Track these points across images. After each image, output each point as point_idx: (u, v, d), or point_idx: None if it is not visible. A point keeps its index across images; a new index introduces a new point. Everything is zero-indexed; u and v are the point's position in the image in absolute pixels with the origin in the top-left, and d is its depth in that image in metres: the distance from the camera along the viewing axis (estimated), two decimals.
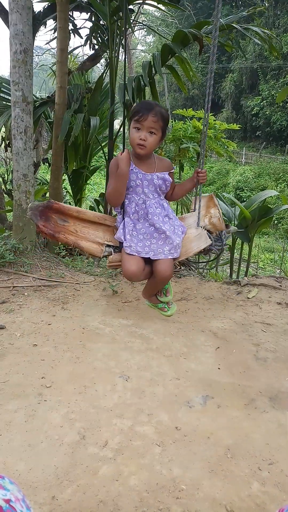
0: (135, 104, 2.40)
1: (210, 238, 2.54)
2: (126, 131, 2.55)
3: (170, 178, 2.51)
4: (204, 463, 1.83)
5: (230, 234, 2.78)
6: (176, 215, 2.70)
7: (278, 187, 18.77)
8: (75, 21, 4.98)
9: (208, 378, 2.40)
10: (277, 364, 2.57)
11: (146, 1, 4.43)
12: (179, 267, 3.60)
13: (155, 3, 4.36)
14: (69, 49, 4.39)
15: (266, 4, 24.10)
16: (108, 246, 2.52)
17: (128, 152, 2.34)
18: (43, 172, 8.98)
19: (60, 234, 2.47)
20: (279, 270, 7.18)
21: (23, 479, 1.69)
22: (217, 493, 1.68)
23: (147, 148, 2.33)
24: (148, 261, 2.45)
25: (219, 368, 2.50)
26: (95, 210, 5.70)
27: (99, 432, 1.97)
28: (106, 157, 4.75)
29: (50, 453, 1.83)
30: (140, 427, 2.01)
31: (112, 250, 2.52)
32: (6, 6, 4.40)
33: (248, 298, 3.42)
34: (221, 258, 5.79)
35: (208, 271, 2.67)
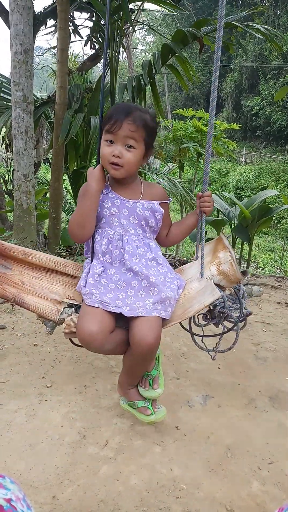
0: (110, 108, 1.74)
1: (218, 290, 1.68)
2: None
3: (162, 209, 1.78)
4: (204, 462, 1.83)
5: (250, 294, 1.95)
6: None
7: (278, 187, 18.79)
8: (75, 20, 4.98)
9: (208, 377, 2.41)
10: (277, 364, 2.58)
11: (146, 1, 4.43)
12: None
13: (155, 3, 4.36)
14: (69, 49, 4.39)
15: (267, 4, 24.10)
16: (70, 305, 1.77)
17: (102, 168, 1.69)
18: (44, 172, 8.98)
19: None
20: (279, 270, 7.20)
21: (24, 478, 1.70)
22: (217, 493, 1.68)
23: (123, 169, 1.64)
24: (125, 323, 1.64)
25: (219, 368, 2.50)
26: None
27: (100, 431, 1.98)
28: None
29: (51, 453, 1.84)
30: (140, 427, 2.02)
31: (73, 311, 1.75)
32: (7, 6, 4.42)
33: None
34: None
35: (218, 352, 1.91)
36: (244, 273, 1.78)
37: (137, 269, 1.64)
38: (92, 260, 1.74)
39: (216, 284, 1.72)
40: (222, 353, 2.27)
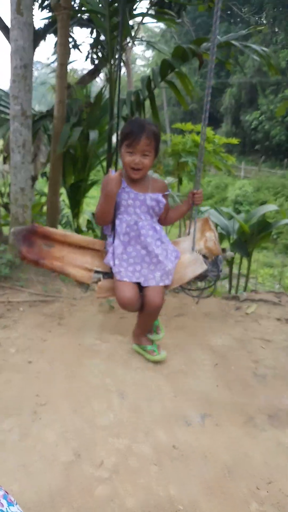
0: (124, 124, 2.35)
1: (205, 263, 2.39)
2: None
3: (164, 200, 2.40)
4: (202, 482, 1.79)
5: (228, 257, 2.68)
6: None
7: (277, 201, 18.85)
8: (74, 36, 5.04)
9: (206, 395, 2.37)
10: (277, 381, 2.54)
11: (146, 16, 4.48)
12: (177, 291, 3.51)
13: (155, 19, 4.42)
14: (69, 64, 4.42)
15: (264, 21, 24.48)
16: (97, 272, 2.38)
17: (120, 173, 2.23)
18: (41, 185, 9.00)
19: (45, 260, 2.31)
20: (278, 285, 7.17)
21: (17, 499, 1.64)
22: None
23: (142, 172, 2.26)
24: (140, 289, 2.34)
25: (217, 386, 2.46)
26: (92, 224, 5.70)
27: (95, 451, 1.93)
28: (105, 171, 4.76)
29: (45, 473, 1.79)
30: (137, 446, 1.97)
31: (102, 276, 2.38)
32: (7, 22, 4.46)
33: (247, 313, 3.39)
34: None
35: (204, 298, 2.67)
36: (223, 250, 2.52)
37: (150, 248, 2.28)
38: (114, 240, 2.32)
39: (202, 255, 2.43)
40: (221, 371, 2.60)
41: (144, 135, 2.15)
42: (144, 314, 2.42)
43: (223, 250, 2.52)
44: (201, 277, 2.46)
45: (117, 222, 2.33)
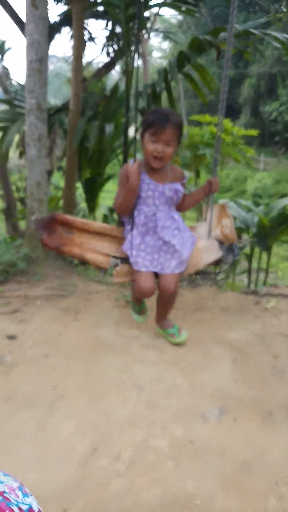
0: (148, 112, 2.38)
1: (221, 249, 2.47)
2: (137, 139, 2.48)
3: (182, 189, 2.43)
4: (219, 477, 1.77)
5: (245, 244, 2.74)
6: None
7: None
8: (89, 28, 5.01)
9: (224, 390, 2.34)
10: None
11: (163, 6, 4.42)
12: (194, 277, 3.59)
13: (172, 8, 4.36)
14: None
15: (284, 9, 23.99)
16: (115, 257, 2.46)
17: (139, 164, 2.26)
18: (57, 179, 9.02)
19: (65, 246, 2.41)
20: None
21: (34, 490, 1.64)
22: (232, 508, 1.62)
23: (163, 161, 2.27)
24: (156, 275, 2.43)
25: (235, 380, 2.43)
26: (108, 218, 5.69)
27: (111, 444, 1.93)
28: (121, 164, 4.74)
29: (61, 465, 1.80)
30: (153, 440, 1.96)
31: (119, 261, 2.45)
32: (22, 17, 4.47)
33: (267, 308, 3.34)
34: (237, 268, 5.72)
35: (223, 281, 2.69)
36: (239, 237, 2.75)
37: (166, 239, 2.34)
38: (132, 228, 2.37)
39: (218, 240, 2.50)
40: (239, 366, 2.59)
41: (170, 124, 2.16)
42: (160, 301, 2.54)
43: (239, 236, 2.61)
44: (217, 262, 2.53)
45: (135, 212, 2.36)
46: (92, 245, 2.47)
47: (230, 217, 2.57)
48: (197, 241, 2.53)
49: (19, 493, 0.79)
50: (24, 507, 0.76)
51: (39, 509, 0.80)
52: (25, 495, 0.79)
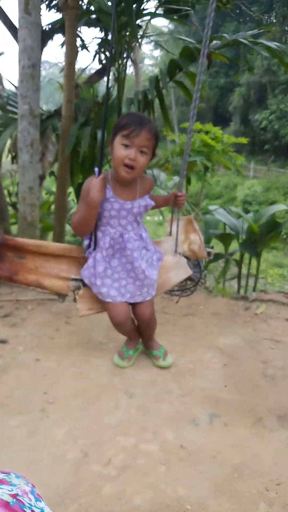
0: (120, 117, 2.02)
1: (190, 267, 2.32)
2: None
3: (152, 202, 2.13)
4: (210, 482, 1.78)
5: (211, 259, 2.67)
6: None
7: (286, 201, 18.66)
8: (82, 35, 5.04)
9: (214, 395, 2.35)
10: (286, 382, 2.51)
11: (155, 17, 4.46)
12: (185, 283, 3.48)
13: (164, 17, 4.40)
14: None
15: (274, 20, 24.32)
16: (75, 279, 2.21)
17: (104, 177, 1.92)
18: (48, 184, 9.01)
19: (17, 275, 2.13)
20: (287, 285, 7.13)
21: None
22: None
23: (136, 171, 1.92)
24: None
25: (226, 386, 2.45)
26: None
27: (103, 449, 1.93)
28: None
29: (53, 470, 1.79)
30: (145, 445, 1.97)
31: (81, 284, 2.20)
32: (14, 22, 4.48)
33: (256, 314, 3.37)
34: (227, 273, 5.75)
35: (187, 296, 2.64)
36: (208, 254, 2.39)
37: (136, 264, 2.08)
38: (95, 250, 2.10)
39: (185, 256, 2.36)
40: (229, 371, 2.58)
41: (147, 128, 1.85)
42: (140, 327, 2.42)
43: (208, 253, 2.40)
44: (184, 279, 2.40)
45: (99, 234, 2.08)
46: (49, 269, 2.19)
47: (199, 232, 2.39)
48: (163, 257, 2.35)
49: (32, 497, 0.79)
50: (37, 511, 0.76)
51: None
52: (37, 499, 0.79)
